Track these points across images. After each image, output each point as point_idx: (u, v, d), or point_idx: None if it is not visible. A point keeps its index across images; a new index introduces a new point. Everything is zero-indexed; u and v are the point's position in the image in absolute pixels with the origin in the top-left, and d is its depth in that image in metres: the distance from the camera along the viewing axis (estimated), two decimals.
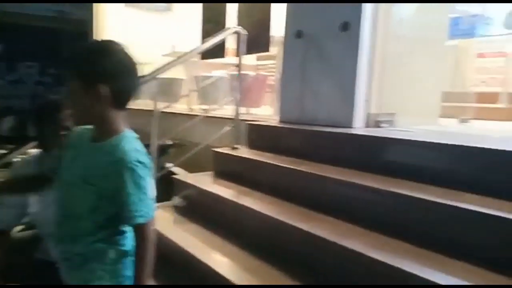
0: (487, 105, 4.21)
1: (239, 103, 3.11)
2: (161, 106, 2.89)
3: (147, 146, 2.65)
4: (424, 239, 1.53)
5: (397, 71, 2.81)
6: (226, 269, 1.90)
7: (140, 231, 1.18)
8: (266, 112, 4.22)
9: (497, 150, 1.69)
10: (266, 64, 6.81)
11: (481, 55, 4.67)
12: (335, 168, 2.20)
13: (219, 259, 2.05)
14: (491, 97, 4.31)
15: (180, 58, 2.90)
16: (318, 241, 1.69)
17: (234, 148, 3.03)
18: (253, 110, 4.88)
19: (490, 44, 4.67)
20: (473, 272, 1.33)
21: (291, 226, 1.84)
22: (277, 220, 1.95)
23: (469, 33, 4.67)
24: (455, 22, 4.72)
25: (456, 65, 4.92)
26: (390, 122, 2.78)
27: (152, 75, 2.73)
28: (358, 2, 2.59)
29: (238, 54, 3.13)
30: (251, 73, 4.69)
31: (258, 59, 7.22)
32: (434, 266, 1.38)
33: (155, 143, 2.71)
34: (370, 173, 2.03)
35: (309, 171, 2.17)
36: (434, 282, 1.27)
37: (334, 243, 1.62)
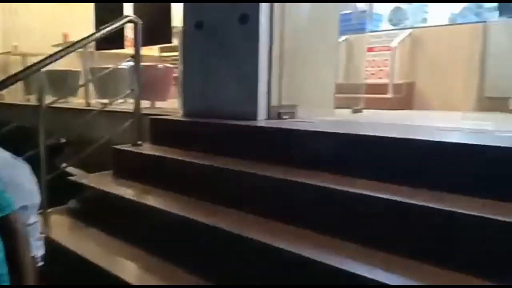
0: (377, 95, 4.61)
1: (138, 96, 2.95)
2: (50, 100, 2.62)
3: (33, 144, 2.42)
4: (324, 225, 1.61)
5: (295, 64, 2.92)
6: (130, 274, 1.80)
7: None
8: (174, 106, 4.09)
9: (384, 136, 1.84)
10: (170, 56, 6.63)
11: (370, 49, 5.09)
12: (240, 160, 2.20)
13: (122, 263, 1.94)
14: (381, 88, 4.73)
15: (68, 48, 2.65)
16: (222, 234, 1.68)
17: (136, 145, 2.87)
18: (159, 104, 4.71)
19: (379, 38, 5.12)
20: (370, 255, 1.42)
21: (195, 222, 1.81)
22: (181, 216, 1.90)
23: (360, 29, 5.04)
24: (347, 18, 5.07)
25: (349, 58, 5.31)
26: (292, 114, 2.88)
27: (37, 67, 2.45)
28: None
29: (135, 44, 2.96)
30: (153, 64, 4.50)
31: (162, 50, 6.99)
32: (335, 252, 1.45)
33: (42, 141, 2.45)
34: (274, 164, 2.07)
35: (212, 164, 2.15)
36: (333, 266, 1.33)
37: (238, 235, 1.62)
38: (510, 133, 2.08)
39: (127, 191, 2.41)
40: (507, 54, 4.10)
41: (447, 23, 5.10)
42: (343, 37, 5.14)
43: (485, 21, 4.48)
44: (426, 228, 1.38)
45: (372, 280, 1.23)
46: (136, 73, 2.94)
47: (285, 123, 2.50)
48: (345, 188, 1.60)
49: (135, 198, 2.30)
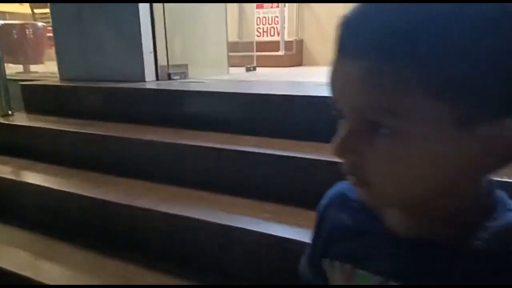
0: (269, 53, 4.69)
1: (1, 60, 2.56)
2: None
3: None
4: (214, 185, 1.61)
5: (183, 22, 2.79)
6: (16, 262, 1.60)
7: None
8: (51, 69, 3.65)
9: (271, 94, 1.88)
10: (46, 13, 5.84)
11: (260, 6, 5.10)
12: (126, 125, 2.08)
13: (5, 251, 1.72)
14: (272, 46, 4.82)
15: None
16: (111, 206, 1.59)
17: (5, 116, 2.52)
18: (35, 68, 4.17)
19: None
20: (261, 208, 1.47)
21: (80, 196, 1.68)
22: (64, 192, 1.74)
23: None
24: None
25: (241, 16, 5.27)
26: (183, 74, 2.78)
27: None
28: None
29: None
30: (19, 23, 3.93)
31: (35, 7, 6.11)
32: (224, 209, 1.47)
33: None
34: (163, 127, 1.99)
35: (96, 132, 1.99)
36: (222, 224, 1.35)
37: (128, 205, 1.54)
38: None
39: (1, 169, 2.13)
40: None
41: None
42: None
43: None
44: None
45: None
46: None
47: (174, 84, 2.41)
48: (234, 147, 1.61)
49: (11, 177, 2.04)
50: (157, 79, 2.62)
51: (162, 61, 2.65)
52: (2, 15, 5.48)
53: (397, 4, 0.36)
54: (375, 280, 0.47)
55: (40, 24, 4.20)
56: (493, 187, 0.44)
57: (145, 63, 2.55)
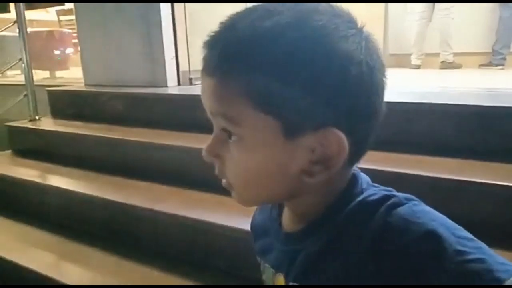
0: None
1: (28, 66, 2.63)
2: None
3: None
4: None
5: (205, 26, 2.78)
6: (41, 263, 1.62)
7: None
8: (77, 75, 3.74)
9: None
10: (72, 20, 6.00)
11: None
12: (150, 130, 2.09)
13: (30, 252, 1.75)
14: None
15: None
16: (133, 210, 1.59)
17: (33, 120, 2.59)
18: (60, 73, 4.29)
19: None
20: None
21: (102, 200, 1.69)
22: (87, 195, 1.77)
23: None
24: None
25: None
26: None
27: None
28: None
29: (15, 7, 2.60)
30: (44, 30, 4.05)
31: (61, 14, 6.30)
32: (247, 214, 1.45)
33: None
34: (185, 132, 1.99)
35: (119, 137, 2.01)
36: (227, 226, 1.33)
37: (150, 209, 1.55)
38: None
39: (27, 172, 2.18)
40: (405, 13, 4.35)
41: None
42: None
43: None
44: None
45: None
46: (21, 40, 2.60)
47: (195, 89, 2.41)
48: None
49: (37, 180, 2.09)
50: (179, 84, 2.64)
51: (183, 66, 2.66)
52: (29, 22, 5.67)
53: (236, 30, 0.43)
54: (270, 272, 0.54)
55: (66, 31, 4.32)
56: (355, 179, 0.48)
57: (167, 69, 2.56)
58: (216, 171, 0.49)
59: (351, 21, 0.44)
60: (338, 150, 0.42)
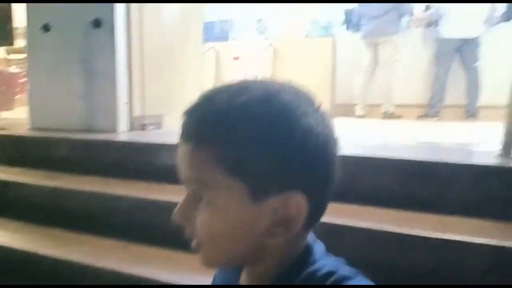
0: None
1: None
2: None
3: None
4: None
5: (160, 73, 2.82)
6: None
7: None
8: (21, 116, 3.57)
9: None
10: (21, 59, 5.80)
11: (236, 58, 5.26)
12: (97, 179, 2.01)
13: None
14: None
15: None
16: (73, 266, 1.50)
17: None
18: (4, 114, 4.07)
19: (243, 48, 5.32)
20: None
21: (41, 256, 1.58)
22: (23, 252, 1.64)
23: (223, 37, 5.18)
24: (210, 26, 5.15)
25: (217, 65, 5.41)
26: (157, 124, 2.77)
27: None
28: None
29: None
30: None
31: (10, 52, 6.08)
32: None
33: None
34: (134, 181, 1.94)
35: (63, 186, 1.92)
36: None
37: (92, 266, 1.46)
38: None
39: None
40: (352, 65, 4.66)
41: (303, 35, 5.56)
42: (210, 45, 5.22)
43: (333, 35, 5.03)
44: None
45: None
46: None
47: (147, 135, 2.39)
48: None
49: None
50: (131, 129, 2.60)
51: (137, 112, 2.65)
52: None
53: (214, 102, 0.48)
54: None
55: (13, 69, 4.16)
56: (309, 248, 0.51)
57: (119, 114, 2.53)
58: (186, 233, 0.51)
59: (310, 100, 0.50)
60: (298, 211, 0.46)
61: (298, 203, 0.46)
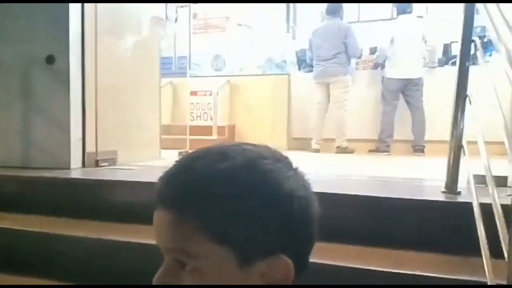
0: (202, 137, 4.79)
1: None
2: None
3: None
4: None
5: (115, 108, 2.79)
6: None
7: None
8: None
9: None
10: None
11: (194, 93, 5.31)
12: (45, 218, 1.91)
13: None
14: (206, 130, 4.94)
15: None
16: None
17: None
18: None
19: (201, 83, 5.39)
20: None
21: None
22: None
23: (182, 73, 5.24)
24: (167, 61, 5.21)
25: (174, 100, 5.42)
26: (112, 161, 2.70)
27: None
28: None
29: None
30: None
31: None
32: None
33: None
34: (86, 220, 1.87)
35: (8, 226, 1.81)
36: None
37: None
38: None
39: None
40: (307, 101, 4.84)
41: (259, 72, 5.73)
42: (168, 80, 5.24)
43: (288, 73, 5.24)
44: None
45: None
46: None
47: (100, 172, 2.32)
48: None
49: None
50: (84, 166, 2.52)
51: (90, 148, 2.58)
52: None
53: (195, 169, 0.47)
54: None
55: None
56: None
57: (72, 150, 2.46)
58: None
59: (289, 164, 0.51)
60: (286, 273, 0.47)
61: (285, 265, 0.47)
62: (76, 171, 2.41)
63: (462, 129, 1.65)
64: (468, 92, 1.65)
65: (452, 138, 1.64)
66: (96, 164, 2.58)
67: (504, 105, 1.07)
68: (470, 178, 1.41)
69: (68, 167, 2.42)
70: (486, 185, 1.19)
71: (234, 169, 0.47)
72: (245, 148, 0.51)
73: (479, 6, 1.39)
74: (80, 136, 2.51)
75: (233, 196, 0.46)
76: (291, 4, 6.00)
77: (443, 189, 1.65)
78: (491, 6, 1.28)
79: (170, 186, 0.48)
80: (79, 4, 2.49)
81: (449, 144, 1.66)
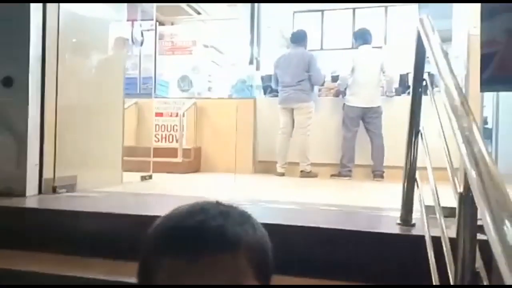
0: (168, 159, 4.73)
1: None
2: None
3: None
4: None
5: (76, 130, 2.73)
6: None
7: None
8: None
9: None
10: None
11: (159, 114, 5.27)
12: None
13: None
14: (171, 152, 4.89)
15: None
16: None
17: None
18: None
19: (167, 104, 5.36)
20: None
21: None
22: None
23: (147, 94, 5.18)
24: (132, 82, 5.15)
25: (139, 121, 5.35)
26: (71, 187, 2.62)
27: None
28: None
29: None
30: None
31: None
32: None
33: None
34: (41, 253, 1.79)
35: None
36: None
37: None
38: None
39: None
40: (271, 125, 4.91)
41: (226, 95, 5.78)
42: (133, 100, 5.18)
43: (254, 97, 5.32)
44: None
45: None
46: None
47: (57, 200, 2.25)
48: (120, 279, 1.51)
49: None
50: (40, 192, 2.43)
51: (48, 173, 2.49)
52: None
53: (228, 216, 0.56)
54: None
55: None
56: None
57: (28, 177, 2.36)
58: None
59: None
60: None
61: None
62: (31, 199, 2.31)
63: (415, 162, 1.74)
64: (420, 128, 1.75)
65: (406, 172, 1.73)
66: (54, 190, 2.50)
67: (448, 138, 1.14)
68: (423, 210, 1.48)
69: (23, 195, 2.32)
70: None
71: (256, 222, 0.59)
72: (228, 206, 0.60)
73: (427, 46, 1.50)
74: (37, 161, 2.43)
75: (261, 236, 0.58)
76: (255, 32, 6.12)
77: (399, 221, 1.72)
78: (435, 45, 1.39)
79: (214, 230, 0.53)
80: (40, 22, 2.44)
81: (403, 177, 1.74)
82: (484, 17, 1.90)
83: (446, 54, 1.33)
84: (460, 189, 0.98)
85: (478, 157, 0.79)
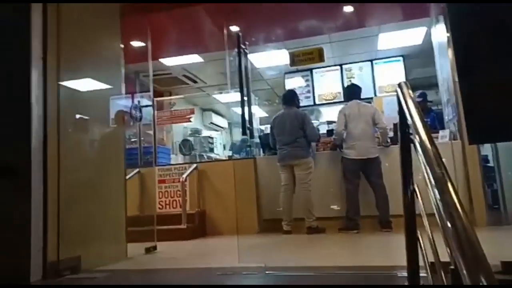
0: (171, 227, 4.70)
1: None
2: None
3: None
4: None
5: (79, 207, 2.76)
6: None
7: None
8: None
9: None
10: None
11: (162, 181, 5.31)
12: None
13: None
14: (174, 218, 4.86)
15: None
16: None
17: None
18: None
19: (169, 171, 5.42)
20: None
21: None
22: None
23: (147, 162, 5.29)
24: (134, 152, 5.28)
25: (142, 190, 5.38)
26: (74, 268, 2.60)
27: None
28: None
29: None
30: None
31: None
32: None
33: None
34: None
35: None
36: None
37: None
38: None
39: None
40: (273, 183, 4.92)
41: (226, 156, 5.87)
42: (135, 170, 5.25)
43: (254, 157, 5.39)
44: None
45: None
46: None
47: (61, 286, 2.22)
48: None
49: None
50: (44, 277, 2.41)
51: (52, 257, 2.49)
52: None
53: None
54: None
55: None
56: None
57: (32, 262, 2.37)
58: None
59: None
60: None
61: None
62: (34, 284, 2.29)
63: (414, 221, 1.73)
64: (414, 186, 1.77)
65: (407, 233, 1.72)
66: (58, 274, 2.48)
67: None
68: (428, 270, 1.46)
69: (27, 282, 2.31)
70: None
71: None
72: None
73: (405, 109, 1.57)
74: (41, 246, 2.44)
75: None
76: (246, 106, 6.19)
77: (406, 283, 1.69)
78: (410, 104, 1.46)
79: None
80: (40, 102, 2.56)
81: (405, 238, 1.73)
82: (461, 72, 2.00)
83: (421, 116, 1.40)
84: None
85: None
